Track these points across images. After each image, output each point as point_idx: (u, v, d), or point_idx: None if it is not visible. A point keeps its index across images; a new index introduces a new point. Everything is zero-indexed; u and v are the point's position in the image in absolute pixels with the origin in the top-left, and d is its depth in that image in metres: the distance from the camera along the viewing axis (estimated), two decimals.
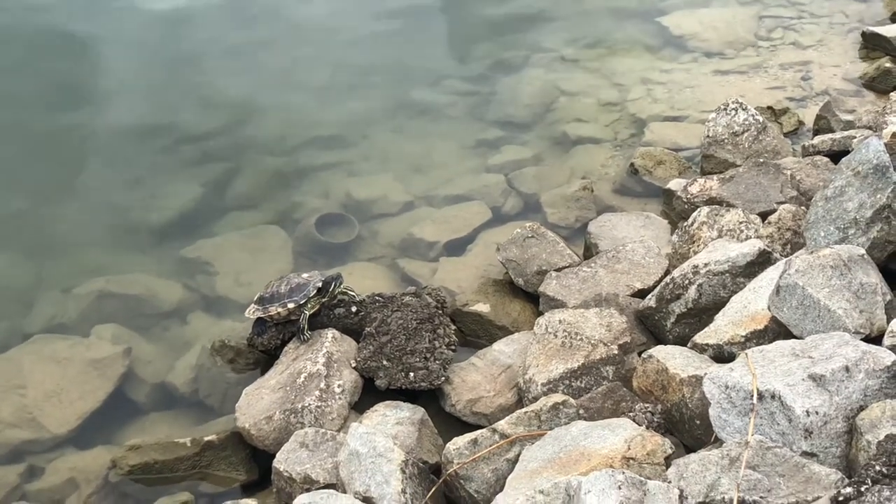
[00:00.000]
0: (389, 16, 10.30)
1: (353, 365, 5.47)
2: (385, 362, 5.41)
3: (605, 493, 3.29)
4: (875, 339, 4.17)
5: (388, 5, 10.52)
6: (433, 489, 4.49)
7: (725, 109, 7.48)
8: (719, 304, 5.17)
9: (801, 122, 8.04)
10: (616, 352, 5.17)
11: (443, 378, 5.39)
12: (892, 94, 7.58)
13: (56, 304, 6.45)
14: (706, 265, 5.32)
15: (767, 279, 4.95)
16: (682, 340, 5.21)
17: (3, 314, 6.40)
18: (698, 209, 6.25)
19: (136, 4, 10.36)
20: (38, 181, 7.73)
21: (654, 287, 5.72)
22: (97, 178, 7.79)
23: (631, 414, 4.52)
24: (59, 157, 8.03)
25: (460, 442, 4.50)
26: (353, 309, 5.78)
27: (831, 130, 7.51)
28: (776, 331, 4.56)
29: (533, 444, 4.35)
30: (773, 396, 3.72)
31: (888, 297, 4.45)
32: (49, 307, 6.42)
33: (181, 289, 6.64)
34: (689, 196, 6.68)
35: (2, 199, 7.49)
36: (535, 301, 6.17)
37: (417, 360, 5.40)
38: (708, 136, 7.43)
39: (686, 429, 4.47)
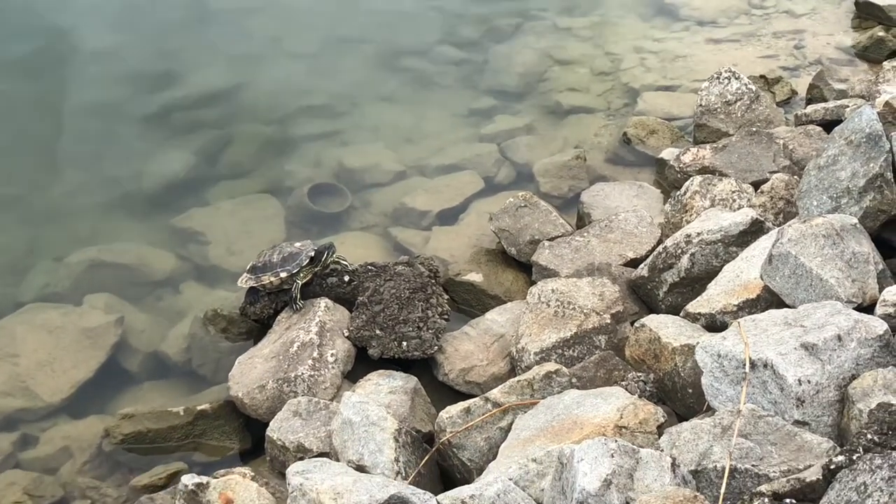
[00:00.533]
0: None
1: (346, 334, 5.48)
2: (378, 331, 5.42)
3: (598, 460, 3.30)
4: (867, 308, 4.18)
5: None
6: (426, 458, 4.51)
7: (718, 78, 7.46)
8: (712, 274, 5.18)
9: (793, 92, 8.03)
10: (608, 321, 5.18)
11: (436, 347, 5.41)
12: (884, 63, 7.58)
13: (49, 272, 6.44)
14: (699, 234, 5.32)
15: (760, 248, 4.96)
16: (674, 310, 5.22)
17: None
18: (691, 178, 6.24)
19: None
20: (28, 150, 7.70)
21: (647, 256, 5.72)
22: (87, 146, 7.76)
23: (623, 383, 4.53)
24: (48, 126, 7.98)
25: (453, 410, 4.52)
26: (346, 278, 5.78)
27: (824, 100, 7.50)
28: (768, 300, 4.57)
29: (526, 412, 4.36)
30: (765, 365, 3.73)
31: (880, 267, 4.46)
32: (42, 276, 6.41)
33: (173, 258, 6.63)
34: (681, 165, 6.68)
35: None
36: (527, 270, 6.17)
37: (410, 329, 5.40)
38: (701, 105, 7.42)
39: (678, 397, 4.48)
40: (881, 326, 3.81)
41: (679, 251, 5.33)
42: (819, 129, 6.75)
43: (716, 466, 3.47)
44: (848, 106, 6.79)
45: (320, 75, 8.71)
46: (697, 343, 4.12)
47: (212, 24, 9.46)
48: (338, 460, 4.35)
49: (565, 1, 9.94)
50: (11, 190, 7.25)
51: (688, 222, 5.88)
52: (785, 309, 4.17)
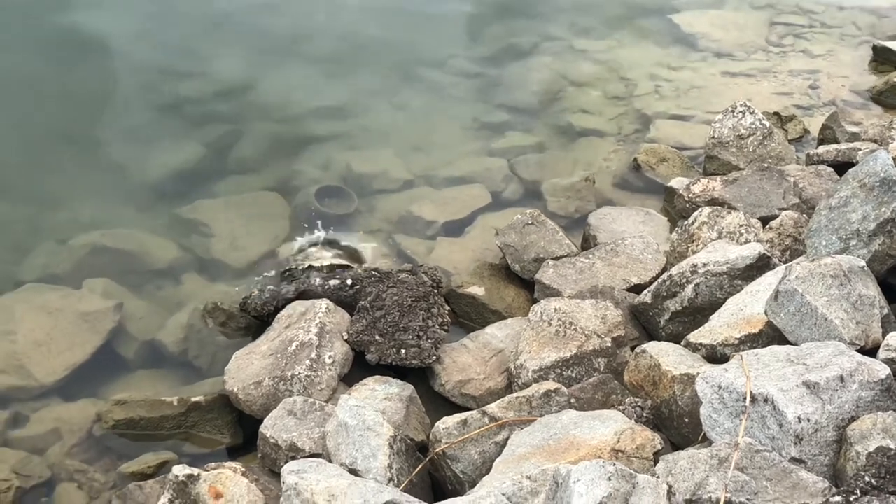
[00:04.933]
0: None
1: (345, 337, 5.47)
2: (377, 337, 5.41)
3: (595, 483, 3.29)
4: (869, 351, 4.18)
5: None
6: (419, 467, 4.50)
7: (732, 112, 7.48)
8: (715, 305, 5.17)
9: (806, 131, 8.05)
10: (609, 344, 5.18)
11: (434, 357, 5.40)
12: None
13: (50, 254, 6.43)
14: (705, 265, 5.32)
15: (765, 283, 4.96)
16: (674, 338, 5.22)
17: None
18: (700, 209, 6.25)
19: None
20: (38, 132, 7.70)
21: (651, 283, 5.72)
22: (98, 130, 7.75)
23: (621, 407, 4.53)
24: (60, 109, 7.99)
25: (450, 422, 4.50)
26: (349, 282, 5.77)
27: (836, 141, 7.52)
28: (771, 335, 4.57)
29: (522, 429, 4.35)
30: (765, 400, 3.72)
31: (885, 311, 4.46)
32: (44, 257, 6.40)
33: (176, 248, 6.63)
34: (691, 195, 6.68)
35: (2, 148, 7.45)
36: (529, 288, 6.17)
37: (410, 337, 5.40)
38: (713, 136, 7.43)
39: (674, 426, 4.48)
40: (884, 371, 3.81)
41: (684, 280, 5.34)
42: (830, 169, 6.76)
43: (710, 497, 3.46)
44: (860, 149, 6.80)
45: (335, 79, 8.72)
46: (698, 373, 4.11)
47: (230, 20, 9.47)
48: (330, 462, 4.34)
49: (583, 23, 9.97)
50: (19, 170, 7.23)
51: (694, 252, 5.89)
52: (788, 346, 4.17)
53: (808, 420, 3.64)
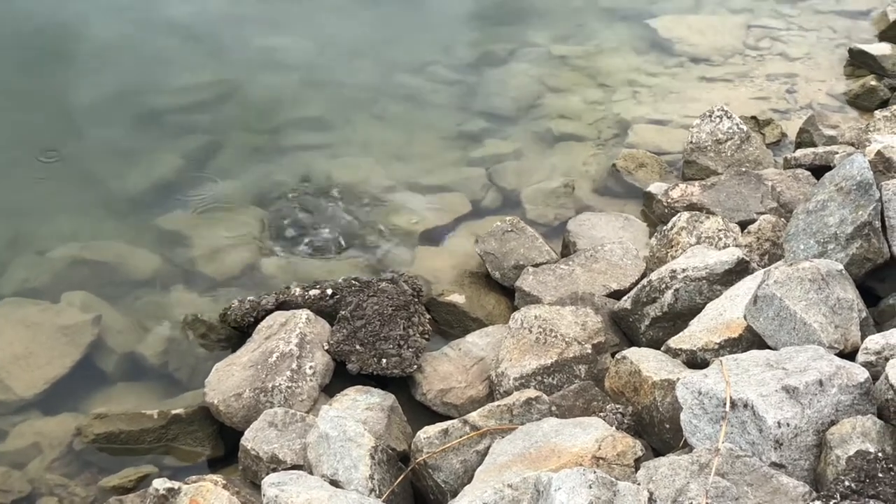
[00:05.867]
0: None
1: (326, 348, 5.46)
2: (358, 347, 5.41)
3: (576, 490, 3.29)
4: (848, 354, 4.20)
5: None
6: (401, 477, 4.49)
7: (710, 116, 7.50)
8: (694, 311, 5.19)
9: (783, 134, 8.07)
10: (590, 351, 5.19)
11: (415, 366, 5.40)
12: (875, 112, 7.61)
13: (29, 267, 6.39)
14: (684, 270, 5.34)
15: (744, 288, 4.98)
16: (655, 343, 5.23)
17: None
18: (678, 214, 6.26)
19: None
20: (15, 142, 7.65)
21: (631, 289, 5.74)
22: (76, 141, 7.71)
23: (602, 414, 4.54)
24: (38, 119, 7.94)
25: (431, 431, 4.50)
26: (329, 292, 5.76)
27: (813, 144, 7.54)
28: (750, 340, 4.59)
29: (503, 437, 4.35)
30: (745, 405, 3.74)
31: (863, 314, 4.49)
32: (22, 270, 6.36)
33: (155, 260, 6.59)
34: (669, 200, 6.69)
35: None
36: (510, 295, 6.17)
37: (391, 346, 5.39)
38: (691, 141, 7.45)
39: (655, 432, 4.49)
40: (862, 374, 3.83)
41: (663, 286, 5.35)
42: (808, 173, 6.79)
43: (692, 503, 3.47)
44: (837, 152, 6.82)
45: (312, 87, 8.69)
46: (678, 379, 4.13)
47: (208, 29, 9.43)
48: (311, 474, 4.33)
49: (561, 30, 9.96)
50: None
51: (673, 257, 5.90)
52: (767, 350, 4.19)
53: (788, 425, 3.65)
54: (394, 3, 10.19)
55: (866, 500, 3.16)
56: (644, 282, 5.51)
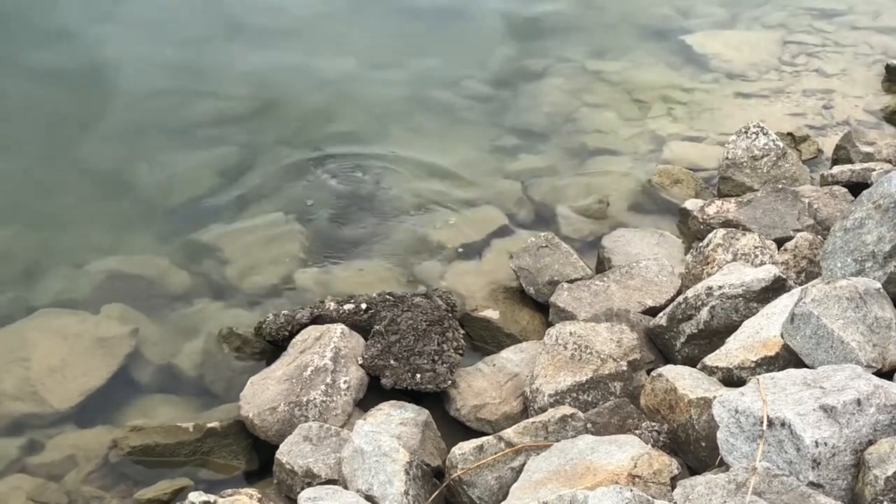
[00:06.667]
0: (413, 14, 10.29)
1: (360, 362, 5.47)
2: (392, 362, 5.41)
3: None
4: (886, 374, 4.17)
5: (412, 3, 10.50)
6: (436, 493, 4.49)
7: (746, 133, 7.47)
8: (731, 328, 5.16)
9: (820, 151, 8.04)
10: (625, 368, 5.17)
11: (449, 382, 5.40)
12: None
13: (66, 279, 6.44)
14: (720, 287, 5.31)
15: (781, 306, 4.95)
16: (690, 361, 5.21)
17: (12, 286, 6.38)
18: (714, 231, 6.24)
19: None
20: (55, 155, 7.72)
21: (666, 306, 5.71)
22: (112, 156, 7.76)
23: (637, 431, 4.52)
24: (76, 132, 8.01)
25: (466, 447, 4.50)
26: (363, 306, 5.78)
27: (850, 161, 7.50)
28: (787, 358, 4.56)
29: (539, 454, 4.35)
30: (782, 424, 3.71)
31: None
32: (59, 282, 6.40)
33: (191, 273, 6.63)
34: (705, 217, 6.67)
35: (17, 171, 7.48)
36: (544, 311, 6.17)
37: (425, 361, 5.40)
38: (727, 158, 7.43)
39: (691, 450, 4.46)
40: None
41: (699, 303, 5.33)
42: (845, 190, 6.75)
43: None
44: (874, 169, 6.79)
45: (349, 101, 8.73)
46: (714, 397, 4.11)
47: (244, 42, 9.50)
48: (346, 489, 4.34)
49: (595, 45, 9.97)
50: (35, 195, 7.25)
51: (709, 274, 5.88)
52: (804, 369, 4.16)
53: (826, 444, 3.62)
54: (429, 19, 10.22)
55: None
56: (680, 299, 5.49)
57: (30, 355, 5.79)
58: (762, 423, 3.76)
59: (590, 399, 5.06)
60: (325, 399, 5.15)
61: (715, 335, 5.26)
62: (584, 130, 8.49)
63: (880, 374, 4.13)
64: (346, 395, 5.24)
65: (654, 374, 4.80)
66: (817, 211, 6.54)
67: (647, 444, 4.27)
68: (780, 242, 6.14)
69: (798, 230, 6.27)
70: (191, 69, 8.99)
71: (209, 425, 5.29)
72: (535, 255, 6.35)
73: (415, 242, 7.01)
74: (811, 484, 3.61)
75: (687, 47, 9.94)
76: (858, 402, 3.72)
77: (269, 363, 5.70)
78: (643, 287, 6.05)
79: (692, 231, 6.78)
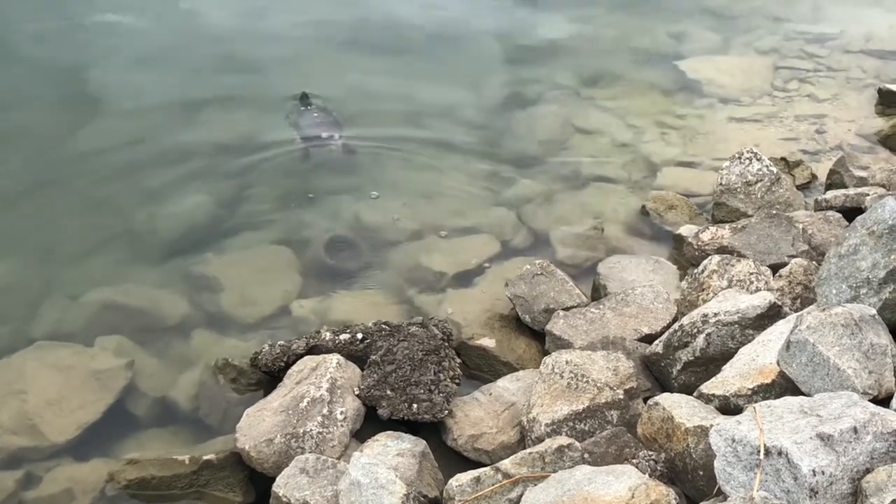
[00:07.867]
0: (404, 43, 10.32)
1: (357, 392, 5.46)
2: (389, 392, 5.41)
3: None
4: (882, 401, 4.17)
5: (403, 33, 10.54)
6: None
7: (740, 158, 7.50)
8: (727, 355, 5.16)
9: (813, 176, 8.06)
10: (622, 396, 5.16)
11: (446, 412, 5.39)
12: None
13: (62, 311, 6.42)
14: (716, 314, 5.32)
15: (777, 333, 4.96)
16: (687, 388, 5.21)
17: (8, 318, 6.36)
18: (709, 257, 6.25)
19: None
20: (47, 188, 7.71)
21: (662, 333, 5.72)
22: (106, 185, 7.77)
23: (634, 461, 4.51)
24: (67, 163, 8.01)
25: (463, 479, 4.49)
26: (359, 336, 5.77)
27: (844, 186, 7.52)
28: (784, 386, 4.56)
29: (536, 485, 4.33)
30: (779, 453, 3.71)
31: None
32: (54, 314, 6.39)
33: (186, 304, 6.62)
34: (700, 243, 6.69)
35: (11, 203, 7.48)
36: (540, 339, 6.17)
37: (422, 391, 5.39)
38: (721, 183, 7.45)
39: (689, 479, 4.46)
40: None
41: (695, 330, 5.33)
42: (839, 215, 6.77)
43: None
44: (868, 194, 6.81)
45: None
46: (711, 425, 4.10)
47: (237, 71, 9.52)
48: None
49: (589, 71, 10.02)
50: (29, 226, 7.25)
51: (704, 301, 5.88)
52: (801, 397, 4.16)
53: (823, 473, 3.62)
54: (422, 47, 10.25)
55: None
56: (675, 326, 5.49)
57: (27, 388, 5.77)
58: (759, 451, 3.76)
59: (587, 428, 5.05)
60: (321, 430, 5.13)
61: (711, 362, 5.26)
62: (577, 156, 8.51)
63: (877, 401, 4.13)
64: (342, 426, 5.23)
65: (650, 402, 4.80)
66: (812, 236, 6.56)
67: (644, 473, 4.27)
68: (774, 268, 6.15)
69: (793, 256, 6.29)
70: (185, 97, 9.01)
71: (205, 458, 5.26)
72: (531, 282, 6.36)
73: (410, 271, 7.01)
74: None
75: (680, 73, 10.01)
76: (855, 430, 3.71)
77: (265, 394, 5.69)
78: (639, 314, 6.05)
79: (687, 257, 6.80)
